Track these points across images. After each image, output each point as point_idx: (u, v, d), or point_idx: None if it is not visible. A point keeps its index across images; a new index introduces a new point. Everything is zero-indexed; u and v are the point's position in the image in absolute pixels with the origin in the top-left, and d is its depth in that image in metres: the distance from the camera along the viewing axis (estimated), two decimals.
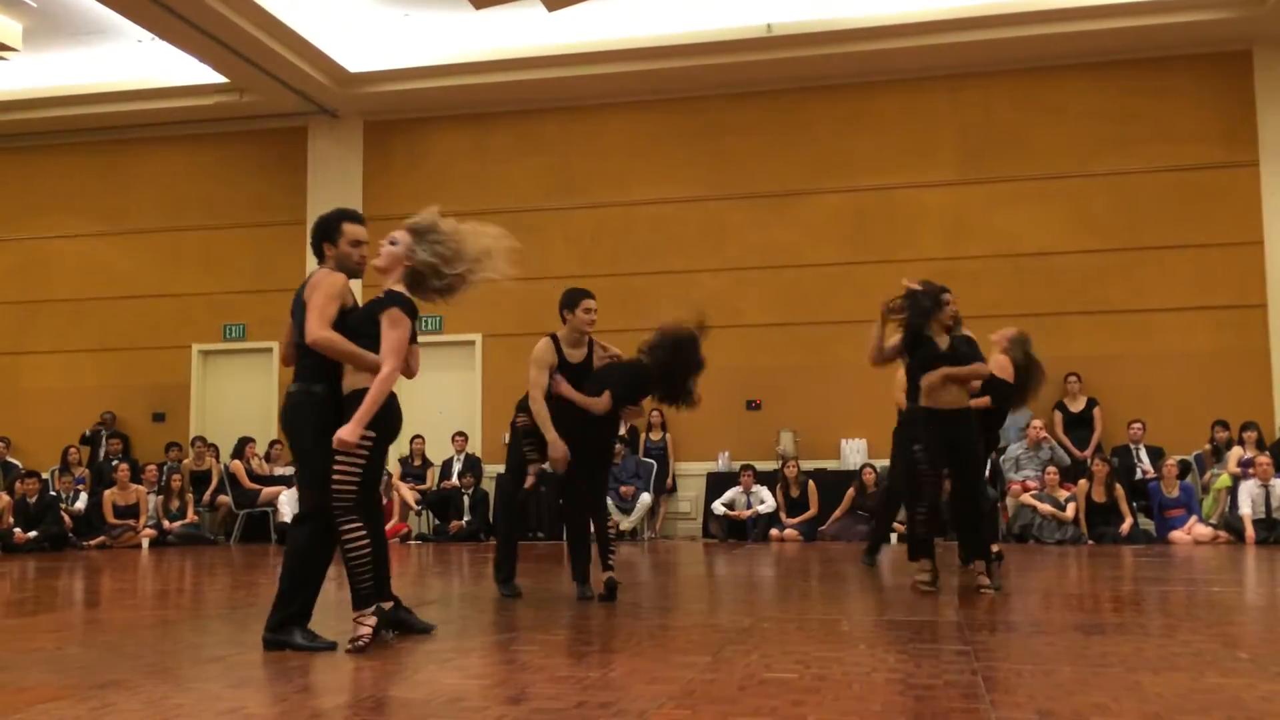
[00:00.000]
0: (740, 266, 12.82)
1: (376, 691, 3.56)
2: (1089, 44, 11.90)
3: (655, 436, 12.67)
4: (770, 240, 12.75)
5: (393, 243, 4.40)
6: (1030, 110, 12.33)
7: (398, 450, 13.32)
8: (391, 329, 4.38)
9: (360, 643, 4.21)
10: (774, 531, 11.55)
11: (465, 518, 12.41)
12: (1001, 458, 11.61)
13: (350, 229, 4.75)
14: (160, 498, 12.43)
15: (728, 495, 11.96)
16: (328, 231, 4.76)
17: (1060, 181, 12.17)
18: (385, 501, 12.28)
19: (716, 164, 13.09)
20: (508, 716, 3.13)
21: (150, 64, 13.09)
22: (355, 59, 12.90)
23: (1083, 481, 10.76)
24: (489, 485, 12.64)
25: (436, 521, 12.56)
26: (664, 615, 5.60)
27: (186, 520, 12.42)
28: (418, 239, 4.42)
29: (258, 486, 12.66)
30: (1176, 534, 10.57)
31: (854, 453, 12.08)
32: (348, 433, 4.19)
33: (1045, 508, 10.70)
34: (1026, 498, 10.85)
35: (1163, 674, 3.73)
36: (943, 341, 6.40)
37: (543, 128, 13.61)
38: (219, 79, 13.02)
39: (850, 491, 11.46)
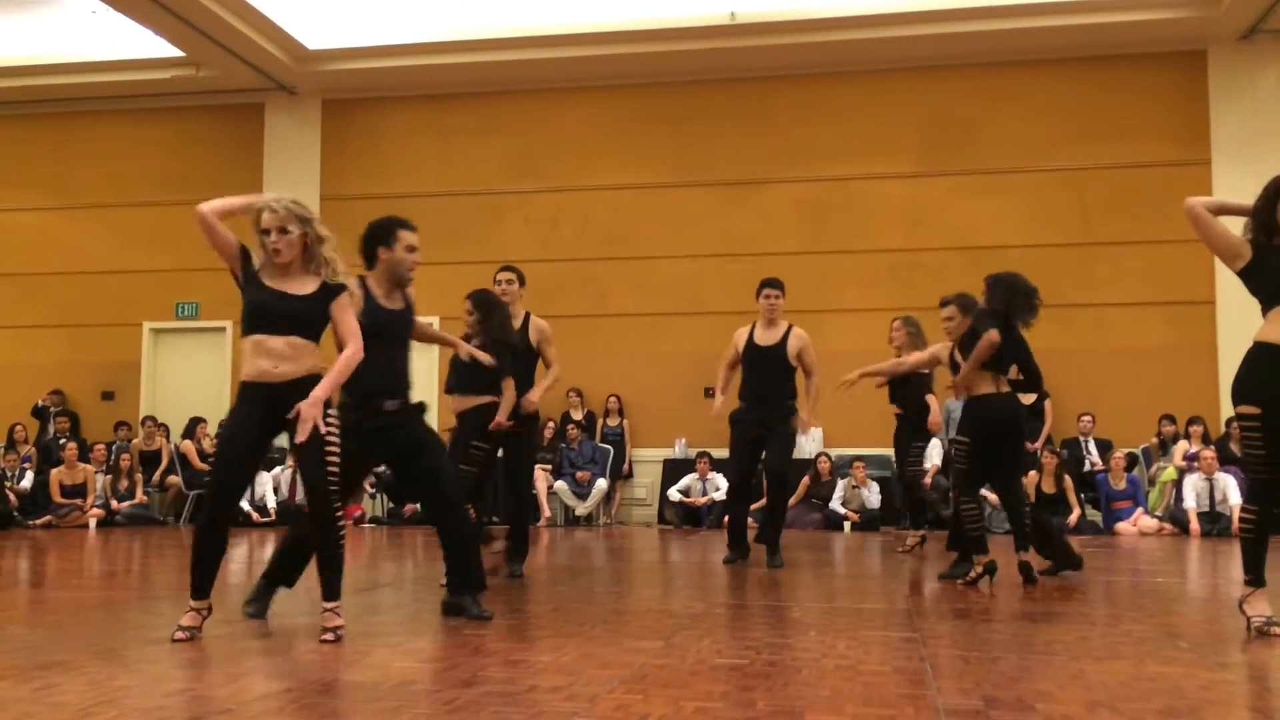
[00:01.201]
0: (700, 254, 12.84)
1: (326, 675, 3.54)
2: (1048, 40, 12.03)
3: (612, 422, 12.68)
4: (730, 228, 12.78)
5: (285, 230, 4.22)
6: (989, 104, 12.45)
7: None
8: (349, 311, 4.33)
9: (340, 632, 4.15)
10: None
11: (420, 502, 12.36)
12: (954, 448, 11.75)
13: (407, 235, 4.80)
14: (108, 477, 12.25)
15: (683, 482, 12.01)
16: (384, 235, 4.76)
17: (1017, 175, 12.31)
18: None
19: (678, 151, 13.09)
20: (459, 700, 3.12)
21: (104, 36, 12.84)
22: (314, 36, 12.73)
23: (1032, 473, 10.90)
24: None
25: (391, 504, 12.49)
26: (618, 600, 5.62)
27: (135, 501, 12.25)
28: (310, 224, 4.29)
29: (209, 467, 12.49)
30: (1123, 525, 10.76)
31: (809, 441, 12.16)
32: (315, 406, 4.11)
33: (994, 498, 10.83)
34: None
35: (1105, 662, 3.80)
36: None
37: (504, 110, 13.54)
38: (175, 53, 12.81)
39: (805, 480, 11.54)
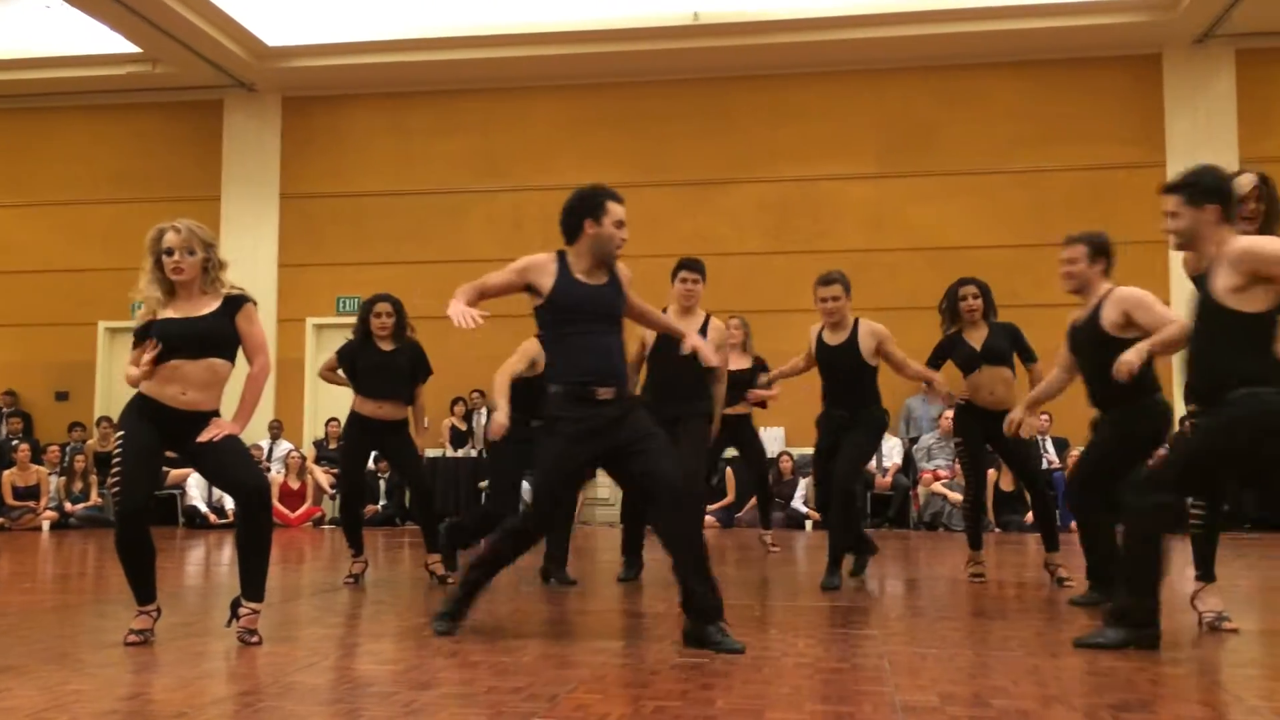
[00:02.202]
0: (664, 254, 12.73)
1: (282, 677, 3.50)
2: (1007, 43, 12.16)
3: None
4: (694, 228, 12.80)
5: (191, 253, 4.19)
6: (948, 107, 12.56)
7: (312, 433, 13.11)
8: (256, 324, 4.29)
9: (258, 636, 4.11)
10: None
11: (380, 502, 12.28)
12: (914, 447, 11.86)
13: (616, 209, 4.32)
14: (62, 479, 12.06)
15: None
16: (592, 208, 4.29)
17: (976, 177, 12.43)
18: (299, 485, 12.09)
19: (641, 151, 13.10)
20: (417, 702, 3.11)
21: (58, 31, 12.65)
22: (274, 32, 12.62)
23: (991, 471, 11.01)
24: None
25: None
26: (579, 601, 5.61)
27: (89, 503, 12.07)
28: (212, 249, 4.26)
29: (165, 469, 12.35)
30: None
31: (771, 440, 12.20)
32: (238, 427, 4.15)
33: (955, 496, 10.94)
34: (938, 486, 11.09)
35: (1061, 657, 3.85)
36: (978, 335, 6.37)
37: (466, 109, 13.48)
38: (131, 48, 12.64)
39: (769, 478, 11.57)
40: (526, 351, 5.98)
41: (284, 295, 13.46)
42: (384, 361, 6.20)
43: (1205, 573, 4.45)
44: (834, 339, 6.07)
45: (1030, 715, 2.95)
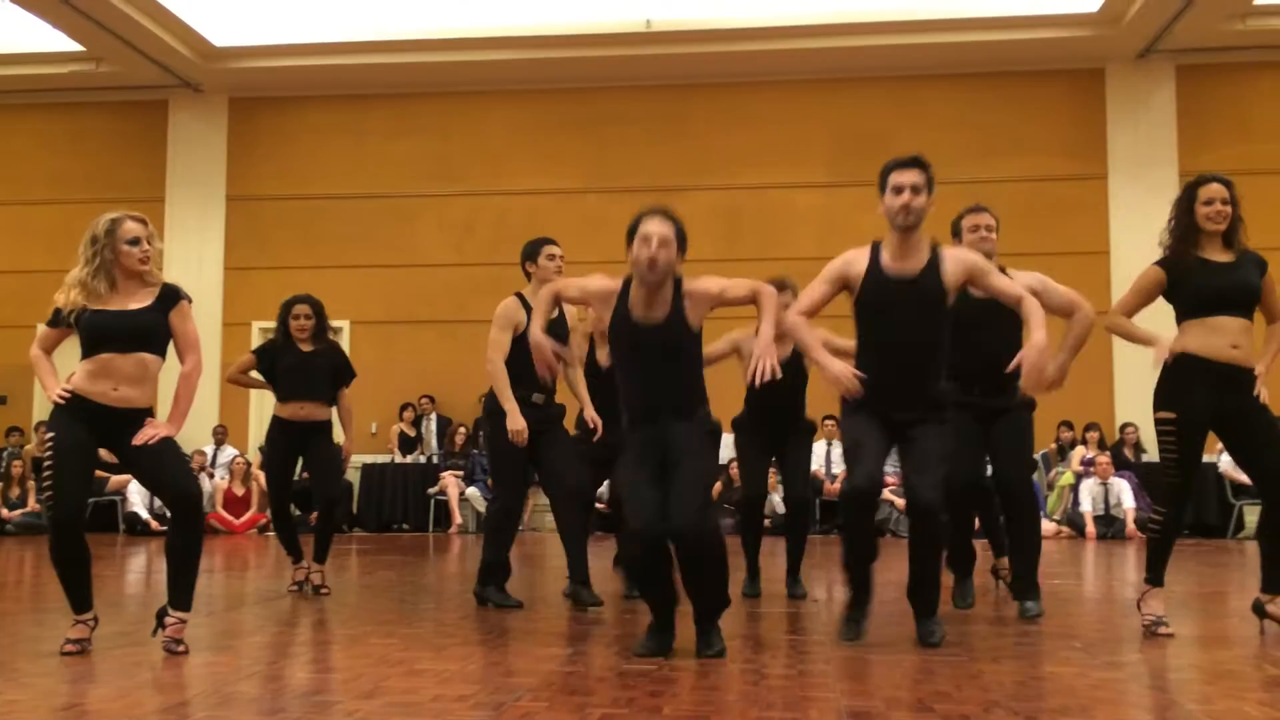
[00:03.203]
0: (617, 259, 12.77)
1: (223, 687, 3.45)
2: (953, 56, 12.33)
3: None
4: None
5: (151, 242, 4.14)
6: (897, 117, 12.70)
7: (257, 438, 12.94)
8: (190, 321, 4.22)
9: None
10: None
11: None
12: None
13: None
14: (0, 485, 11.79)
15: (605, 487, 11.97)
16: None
17: None
18: (244, 490, 11.92)
19: (595, 157, 13.10)
20: (360, 711, 3.07)
21: None
22: (221, 32, 12.46)
23: None
24: (353, 476, 12.41)
25: (297, 512, 12.22)
26: (528, 608, 5.58)
27: (27, 509, 11.80)
28: (153, 240, 4.21)
29: (106, 475, 12.10)
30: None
31: (722, 447, 12.23)
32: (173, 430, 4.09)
33: (902, 503, 11.04)
34: (885, 493, 11.17)
35: (1002, 662, 3.90)
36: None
37: (418, 113, 13.40)
38: (74, 47, 12.41)
39: (718, 485, 11.61)
40: (511, 317, 5.49)
41: (230, 299, 13.29)
42: (303, 363, 6.12)
43: (1154, 577, 4.52)
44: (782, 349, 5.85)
45: None
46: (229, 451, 12.46)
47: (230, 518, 11.63)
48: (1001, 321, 4.74)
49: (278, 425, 6.17)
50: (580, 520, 5.58)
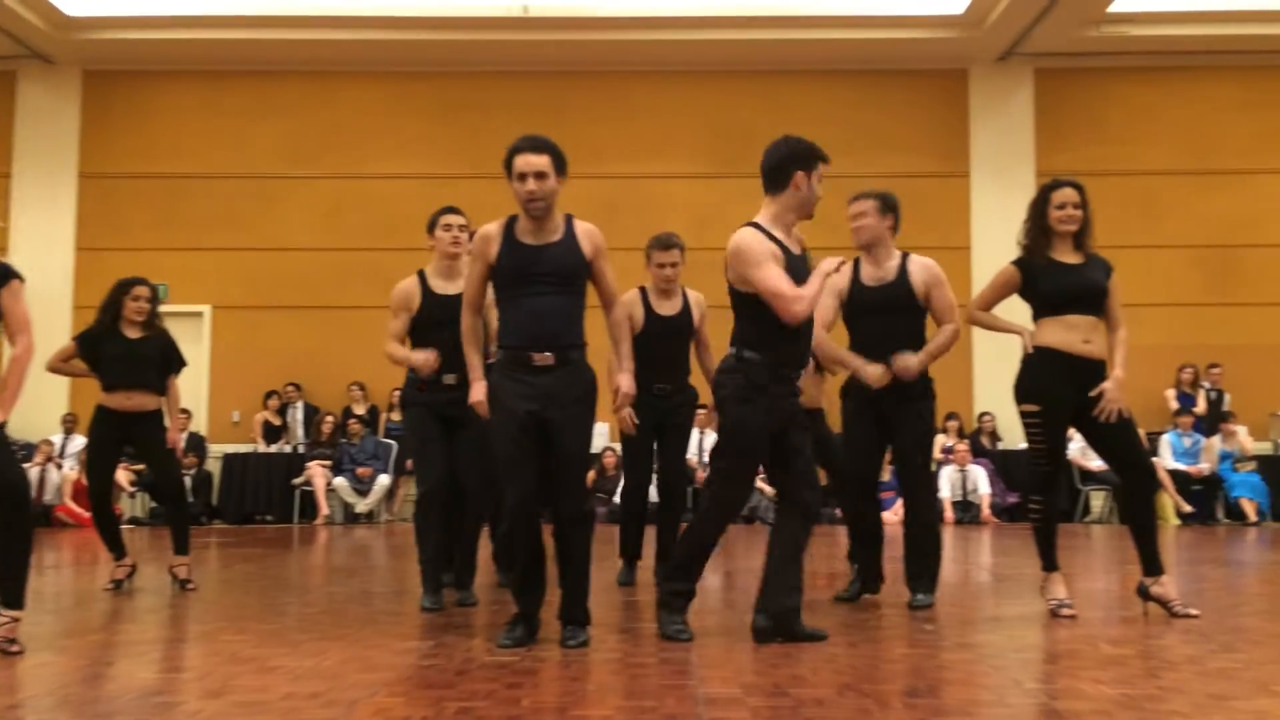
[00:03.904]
0: None
1: (59, 688, 3.28)
2: (823, 52, 12.56)
3: (396, 417, 12.38)
4: None
5: None
6: (769, 111, 12.86)
7: None
8: (21, 300, 4.01)
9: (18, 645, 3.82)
10: None
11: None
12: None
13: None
14: None
15: None
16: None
17: None
18: None
19: (468, 142, 12.91)
20: (204, 712, 2.96)
21: None
22: (74, 2, 11.84)
23: None
24: (213, 465, 12.02)
25: (153, 505, 11.78)
26: (393, 601, 5.48)
27: None
28: None
29: None
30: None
31: (595, 436, 12.25)
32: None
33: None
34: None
35: (857, 646, 3.99)
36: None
37: (283, 91, 12.99)
38: None
39: (591, 474, 11.61)
40: (403, 303, 5.24)
41: (82, 280, 12.65)
42: (130, 349, 5.85)
43: (1048, 563, 4.74)
44: (667, 309, 5.79)
45: (825, 703, 3.05)
46: (78, 441, 11.87)
47: (79, 510, 11.10)
48: (896, 312, 4.90)
49: (103, 415, 5.87)
50: (470, 524, 5.29)
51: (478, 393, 4.12)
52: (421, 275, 5.28)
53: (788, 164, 4.27)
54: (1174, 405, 12.16)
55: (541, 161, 4.06)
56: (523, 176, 4.05)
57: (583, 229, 4.16)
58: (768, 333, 4.10)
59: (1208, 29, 12.24)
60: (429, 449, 4.98)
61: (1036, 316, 4.74)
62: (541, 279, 4.03)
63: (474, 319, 4.26)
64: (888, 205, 5.21)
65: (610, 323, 4.25)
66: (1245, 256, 12.75)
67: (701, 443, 11.70)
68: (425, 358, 4.86)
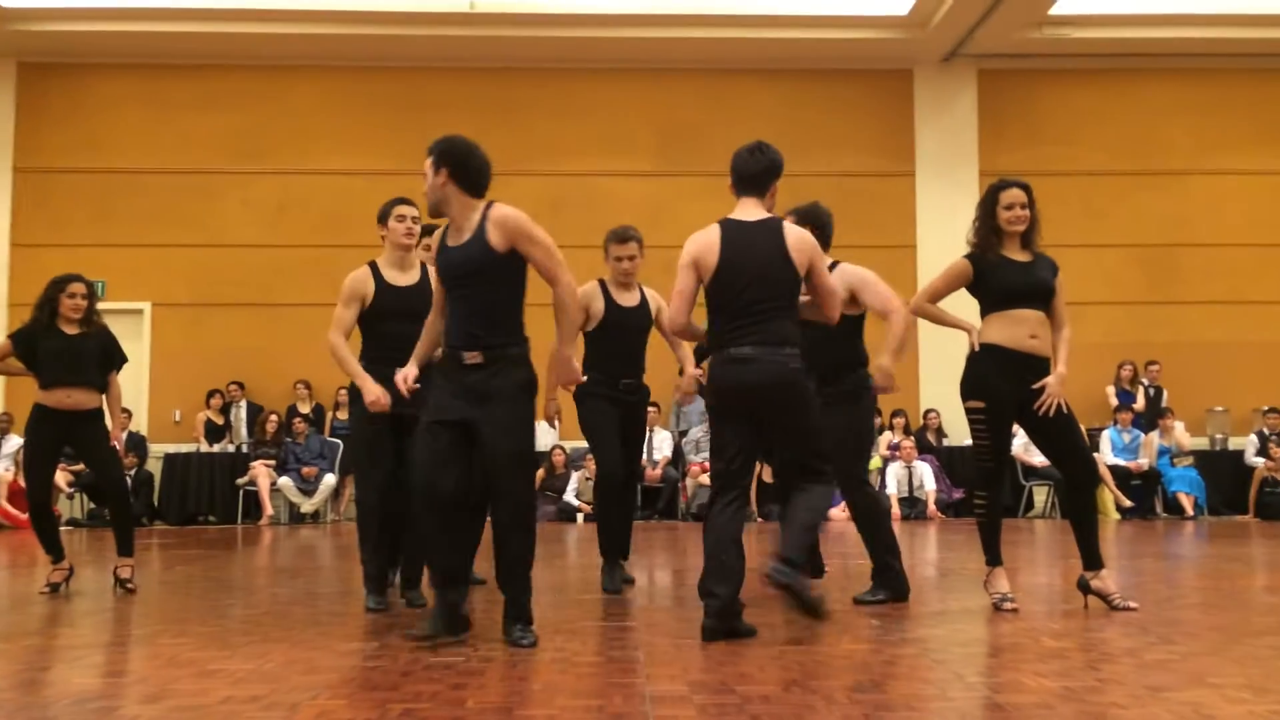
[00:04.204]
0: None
1: None
2: (772, 51, 12.62)
3: (342, 416, 12.25)
4: None
5: None
6: (716, 109, 12.92)
7: None
8: None
9: None
10: None
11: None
12: (684, 440, 12.15)
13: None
14: None
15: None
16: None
17: None
18: None
19: (414, 138, 12.59)
20: (142, 716, 2.90)
21: None
22: None
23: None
24: (154, 466, 11.81)
25: (92, 505, 11.55)
26: (336, 602, 5.42)
27: None
28: None
29: None
30: (833, 511, 11.44)
31: (543, 433, 12.20)
32: None
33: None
34: (704, 478, 11.37)
35: (804, 644, 4.01)
36: None
37: (227, 85, 12.79)
38: None
39: (540, 472, 11.59)
40: (355, 291, 5.06)
41: (17, 277, 12.36)
42: (70, 346, 5.72)
43: (992, 558, 4.81)
44: (628, 300, 5.70)
45: (771, 699, 3.06)
46: (14, 441, 11.59)
47: (14, 511, 10.85)
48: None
49: (41, 414, 5.72)
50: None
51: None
52: (374, 266, 5.16)
53: (773, 174, 4.49)
54: (1114, 402, 12.39)
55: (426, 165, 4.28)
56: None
57: (493, 219, 4.06)
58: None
59: (1147, 32, 12.48)
60: (378, 450, 4.92)
61: (985, 313, 4.80)
62: (459, 281, 4.05)
63: (434, 317, 4.29)
64: (805, 218, 5.09)
65: (554, 303, 4.13)
66: (1183, 256, 13.03)
67: (651, 440, 11.71)
68: (378, 397, 4.65)
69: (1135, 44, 12.64)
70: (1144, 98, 13.21)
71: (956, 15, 11.84)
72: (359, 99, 12.86)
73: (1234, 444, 12.42)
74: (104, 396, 5.88)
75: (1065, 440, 4.72)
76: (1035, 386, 4.62)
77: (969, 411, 4.75)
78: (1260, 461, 11.78)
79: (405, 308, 4.78)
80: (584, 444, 11.97)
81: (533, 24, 12.14)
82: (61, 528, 10.98)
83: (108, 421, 5.92)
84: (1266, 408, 12.25)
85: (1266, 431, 12.08)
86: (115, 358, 5.93)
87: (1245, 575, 6.44)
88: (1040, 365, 4.68)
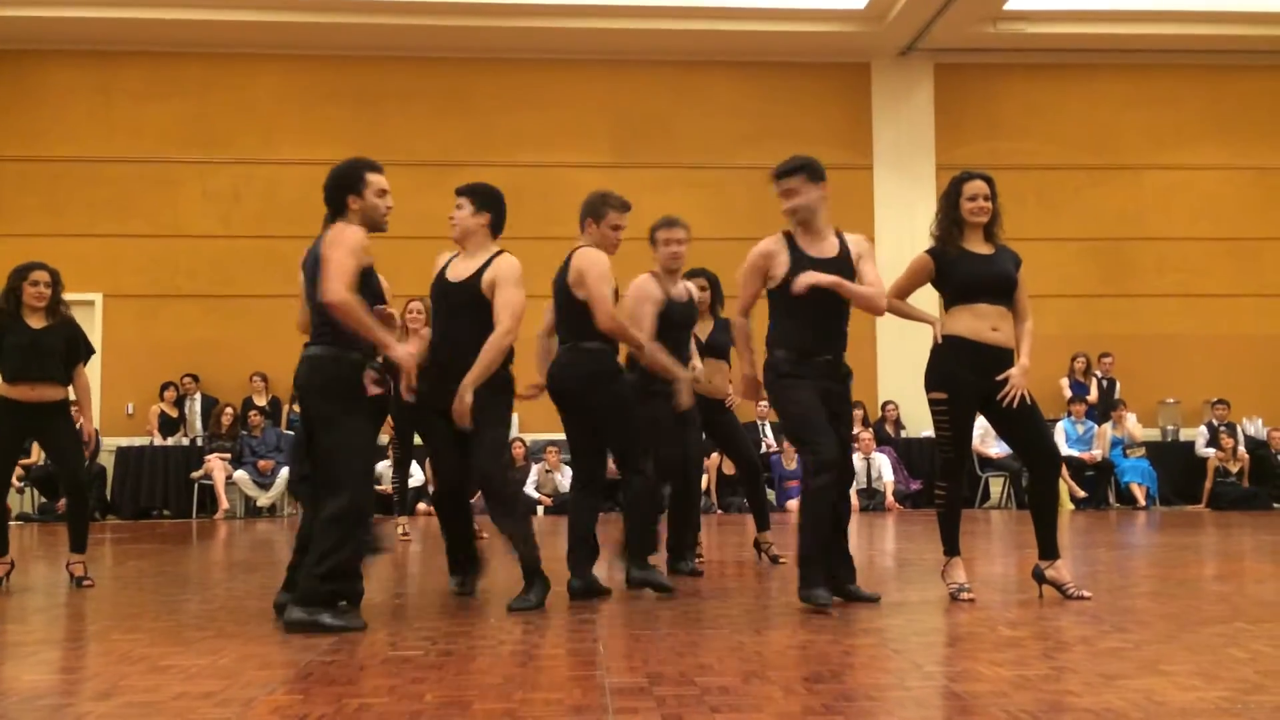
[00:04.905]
0: (395, 235, 12.42)
1: None
2: (730, 44, 12.64)
3: (299, 408, 12.14)
4: (427, 210, 12.42)
5: None
6: (676, 101, 12.92)
7: None
8: None
9: None
10: (421, 505, 11.43)
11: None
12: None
13: (376, 179, 4.57)
14: None
15: (380, 467, 11.67)
16: (351, 182, 4.51)
17: (704, 171, 12.85)
18: None
19: (374, 128, 12.68)
20: (93, 713, 2.85)
21: None
22: None
23: (715, 455, 11.46)
24: (106, 460, 11.62)
25: (43, 499, 11.36)
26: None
27: None
28: None
29: None
30: (792, 503, 11.51)
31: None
32: None
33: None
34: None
35: (764, 633, 4.03)
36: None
37: (180, 73, 12.60)
38: None
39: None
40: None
41: None
42: (35, 338, 5.61)
43: (950, 548, 4.84)
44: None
45: (730, 690, 3.06)
46: None
47: None
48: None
49: (5, 408, 5.61)
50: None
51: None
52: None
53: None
54: (1068, 393, 12.55)
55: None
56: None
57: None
58: None
59: (1101, 28, 12.64)
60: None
61: (948, 305, 4.84)
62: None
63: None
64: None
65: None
66: (1136, 249, 13.22)
67: None
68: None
69: (1089, 39, 12.80)
70: (1098, 92, 13.38)
71: (913, 9, 11.92)
72: (316, 88, 12.72)
73: (1185, 435, 12.64)
74: (68, 389, 5.77)
75: (1029, 430, 4.77)
76: (999, 378, 4.67)
77: (932, 403, 4.79)
78: (1211, 452, 12.00)
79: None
80: (543, 436, 12.01)
81: (492, 14, 12.08)
82: (11, 522, 10.82)
83: (75, 415, 5.81)
84: (1215, 399, 12.47)
85: (1216, 423, 12.30)
86: (81, 350, 5.82)
87: (1196, 564, 6.56)
88: (1003, 357, 4.73)
